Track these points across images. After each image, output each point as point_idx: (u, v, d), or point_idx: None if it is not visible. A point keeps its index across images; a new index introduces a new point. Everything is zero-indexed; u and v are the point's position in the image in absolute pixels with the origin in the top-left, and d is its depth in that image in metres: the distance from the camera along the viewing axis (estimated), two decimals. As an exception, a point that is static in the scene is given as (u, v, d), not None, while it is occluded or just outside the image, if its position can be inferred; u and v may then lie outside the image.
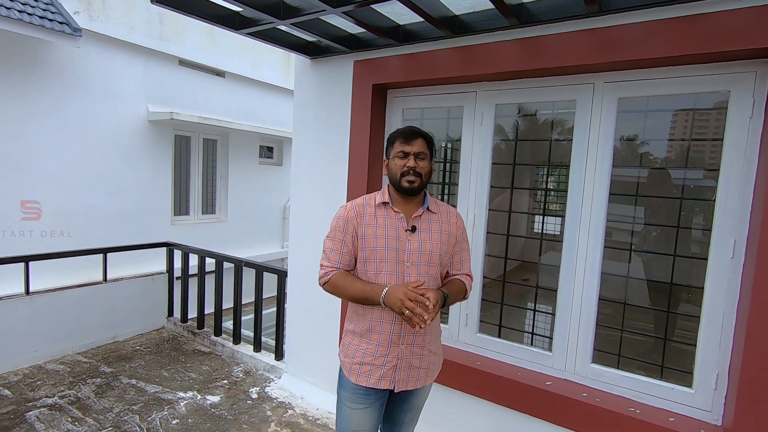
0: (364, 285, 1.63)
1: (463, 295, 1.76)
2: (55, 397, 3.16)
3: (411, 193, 1.67)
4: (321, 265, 1.72)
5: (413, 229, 1.68)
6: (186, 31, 6.15)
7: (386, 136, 2.87)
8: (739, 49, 1.75)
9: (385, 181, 1.77)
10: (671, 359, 2.23)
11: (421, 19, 2.28)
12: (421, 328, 1.48)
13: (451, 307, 2.68)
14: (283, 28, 2.54)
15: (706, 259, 1.99)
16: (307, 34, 2.58)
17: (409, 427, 1.89)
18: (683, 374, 2.10)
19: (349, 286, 1.65)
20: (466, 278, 1.79)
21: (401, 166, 1.65)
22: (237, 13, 2.46)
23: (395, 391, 1.69)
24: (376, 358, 1.66)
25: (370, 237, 1.66)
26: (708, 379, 1.97)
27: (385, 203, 1.70)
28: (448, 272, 1.80)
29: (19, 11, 4.26)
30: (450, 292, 1.67)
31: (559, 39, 2.12)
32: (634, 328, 2.40)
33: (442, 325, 2.72)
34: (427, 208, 1.72)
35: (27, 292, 3.66)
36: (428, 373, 1.75)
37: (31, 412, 2.95)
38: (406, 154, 1.65)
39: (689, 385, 2.03)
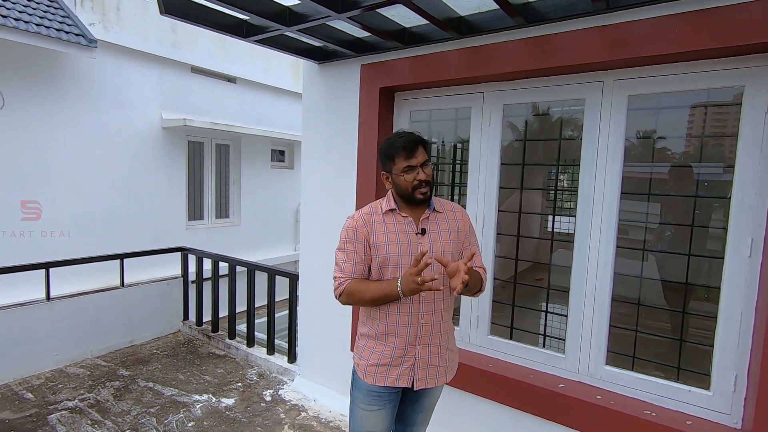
0: (379, 284, 1.63)
1: (480, 283, 1.75)
2: (76, 400, 3.24)
3: (425, 203, 1.69)
4: (334, 278, 1.71)
5: (423, 232, 1.68)
6: (198, 38, 6.25)
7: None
8: (753, 43, 1.71)
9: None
10: (688, 361, 2.18)
11: (427, 22, 2.28)
12: (453, 289, 1.48)
13: (462, 309, 2.67)
14: (290, 34, 2.57)
15: (723, 258, 1.94)
16: (313, 39, 2.61)
17: (422, 428, 1.90)
18: (701, 376, 2.05)
19: (365, 290, 1.64)
20: (481, 270, 1.79)
21: (411, 181, 1.63)
22: (245, 21, 2.50)
23: (414, 389, 1.70)
24: (394, 359, 1.67)
25: (382, 244, 1.65)
26: (726, 380, 1.92)
27: (392, 210, 1.71)
28: None
29: (37, 24, 4.39)
30: (471, 279, 1.64)
31: (567, 37, 2.10)
32: (649, 328, 2.35)
33: (453, 327, 2.72)
34: (433, 209, 1.73)
35: (48, 297, 3.76)
36: (447, 371, 1.76)
37: (52, 415, 3.03)
38: (412, 168, 1.63)
39: (707, 387, 1.99)
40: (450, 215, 1.76)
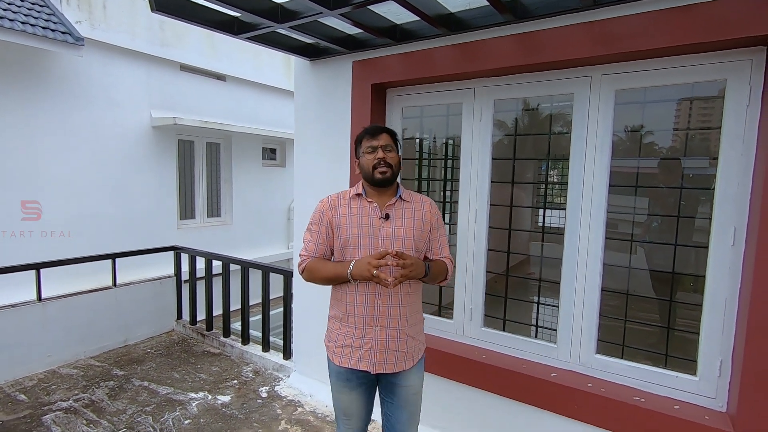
0: (334, 265, 1.76)
1: (444, 274, 1.84)
2: (70, 401, 3.22)
3: (384, 183, 1.77)
4: (300, 255, 1.86)
5: (387, 217, 1.76)
6: (186, 36, 6.20)
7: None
8: (735, 37, 1.76)
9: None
10: (675, 348, 2.24)
11: (418, 18, 2.31)
12: (394, 284, 1.56)
13: (455, 302, 2.71)
14: (281, 31, 2.57)
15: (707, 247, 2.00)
16: (305, 36, 2.61)
17: (408, 425, 1.86)
18: (687, 362, 2.12)
19: (321, 268, 1.77)
20: (447, 261, 1.87)
21: (372, 160, 1.76)
22: (236, 18, 2.50)
23: (372, 373, 1.76)
24: (355, 340, 1.76)
25: (345, 226, 1.76)
26: (712, 366, 1.98)
27: (358, 195, 1.81)
28: (427, 257, 1.87)
29: (22, 23, 4.33)
30: (432, 267, 1.76)
31: (555, 33, 2.14)
32: (639, 318, 2.42)
33: (446, 320, 2.76)
34: (400, 197, 1.81)
35: (39, 298, 3.73)
36: (406, 357, 1.79)
37: (47, 416, 3.01)
38: (374, 149, 1.76)
39: (693, 372, 2.05)
40: (417, 205, 1.84)
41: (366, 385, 1.83)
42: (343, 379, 1.81)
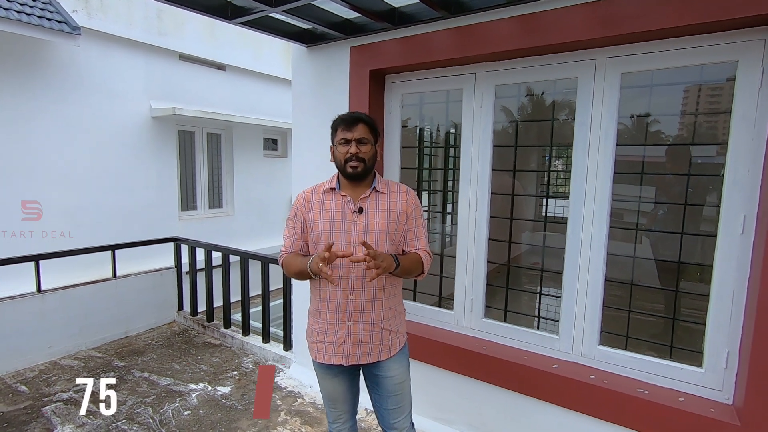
0: (301, 260, 1.71)
1: (420, 268, 1.75)
2: (71, 392, 3.22)
3: (356, 177, 1.72)
4: (280, 250, 1.86)
5: (360, 210, 1.72)
6: (185, 25, 6.12)
7: (385, 123, 2.85)
8: (746, 16, 1.68)
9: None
10: (680, 339, 2.19)
11: (417, 0, 2.23)
12: (371, 278, 1.50)
13: (456, 293, 2.66)
14: (276, 15, 2.50)
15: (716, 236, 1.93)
16: (301, 21, 2.55)
17: (397, 413, 1.83)
18: (693, 354, 2.06)
19: (291, 264, 1.75)
20: (423, 253, 1.79)
21: (344, 153, 1.69)
22: (229, 2, 2.43)
23: (346, 365, 1.75)
24: (327, 335, 1.75)
25: (317, 221, 1.73)
26: (718, 358, 1.93)
27: (332, 189, 1.76)
28: (404, 251, 1.80)
29: (18, 11, 4.27)
30: (402, 260, 1.68)
31: (558, 14, 2.05)
32: (643, 308, 2.36)
33: (446, 311, 2.73)
34: (375, 189, 1.76)
35: (38, 290, 3.72)
36: (382, 349, 1.77)
37: (47, 407, 3.02)
38: (347, 141, 1.69)
39: (699, 364, 2.00)
40: (393, 196, 1.78)
41: (346, 373, 1.81)
42: (324, 369, 1.81)
